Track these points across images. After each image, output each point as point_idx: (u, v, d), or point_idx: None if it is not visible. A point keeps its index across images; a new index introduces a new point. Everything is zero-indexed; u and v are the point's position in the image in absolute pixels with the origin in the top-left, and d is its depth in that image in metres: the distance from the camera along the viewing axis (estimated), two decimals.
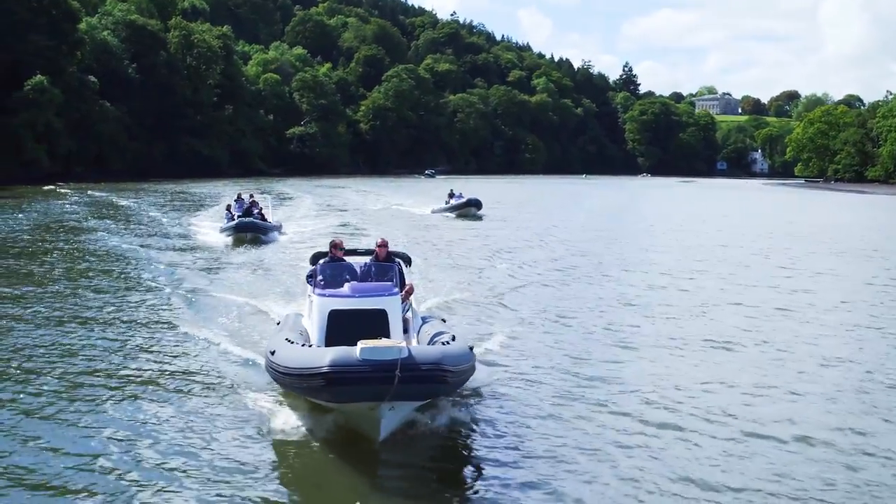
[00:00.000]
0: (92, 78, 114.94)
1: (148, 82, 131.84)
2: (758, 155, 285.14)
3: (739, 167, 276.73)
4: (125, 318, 21.80)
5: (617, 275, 32.83)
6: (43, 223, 47.91)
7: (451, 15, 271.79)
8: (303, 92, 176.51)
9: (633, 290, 28.93)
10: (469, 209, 63.69)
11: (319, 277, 16.54)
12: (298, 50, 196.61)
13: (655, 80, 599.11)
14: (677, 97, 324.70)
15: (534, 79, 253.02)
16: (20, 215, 52.42)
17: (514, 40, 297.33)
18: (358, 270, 17.21)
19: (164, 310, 22.96)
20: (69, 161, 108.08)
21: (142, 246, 37.74)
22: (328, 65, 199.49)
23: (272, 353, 14.34)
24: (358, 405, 13.48)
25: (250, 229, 41.64)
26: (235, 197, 50.14)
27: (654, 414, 15.21)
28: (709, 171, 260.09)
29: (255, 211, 44.43)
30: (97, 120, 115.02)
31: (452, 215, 63.30)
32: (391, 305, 15.77)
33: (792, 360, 19.23)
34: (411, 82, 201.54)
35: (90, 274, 29.10)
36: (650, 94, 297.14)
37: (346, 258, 18.22)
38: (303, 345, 14.34)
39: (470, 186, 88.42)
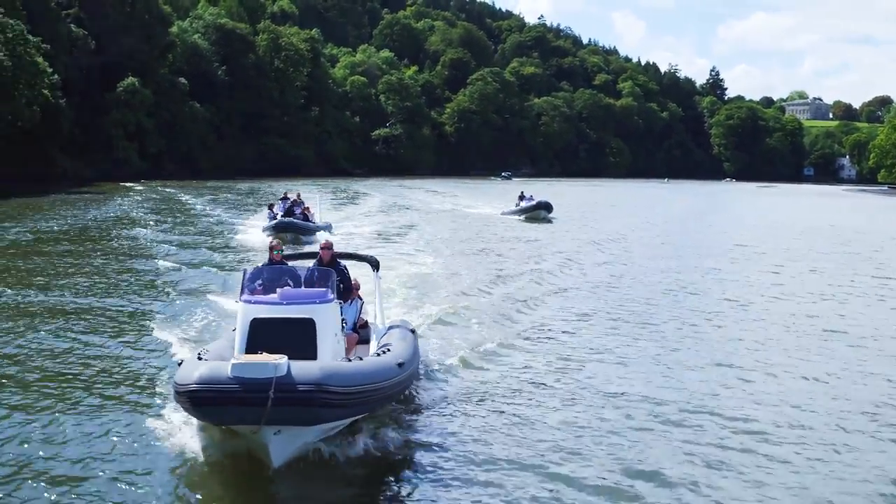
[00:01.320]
0: (182, 80, 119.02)
1: (236, 84, 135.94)
2: (845, 161, 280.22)
3: (827, 173, 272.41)
4: (103, 316, 21.63)
5: (657, 287, 30.45)
6: (101, 219, 50.11)
7: (539, 18, 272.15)
8: (389, 94, 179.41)
9: (667, 308, 26.15)
10: (538, 212, 62.77)
11: (258, 282, 15.00)
12: (385, 53, 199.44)
13: (749, 84, 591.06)
14: (767, 102, 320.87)
15: (620, 82, 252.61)
16: (89, 210, 55.34)
17: (600, 44, 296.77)
18: (302, 275, 15.50)
19: (151, 311, 22.53)
20: (159, 159, 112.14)
21: (178, 244, 38.47)
22: (414, 68, 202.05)
23: (179, 364, 13.27)
24: (239, 427, 12.19)
25: (290, 229, 41.06)
26: (282, 196, 49.40)
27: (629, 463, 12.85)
28: (795, 177, 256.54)
29: (298, 210, 43.69)
30: (186, 120, 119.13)
31: (521, 218, 62.55)
32: (321, 314, 14.09)
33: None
34: (496, 85, 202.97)
35: (104, 269, 29.76)
36: (739, 98, 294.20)
37: (288, 262, 17.22)
38: (200, 358, 12.96)
39: (549, 189, 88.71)
